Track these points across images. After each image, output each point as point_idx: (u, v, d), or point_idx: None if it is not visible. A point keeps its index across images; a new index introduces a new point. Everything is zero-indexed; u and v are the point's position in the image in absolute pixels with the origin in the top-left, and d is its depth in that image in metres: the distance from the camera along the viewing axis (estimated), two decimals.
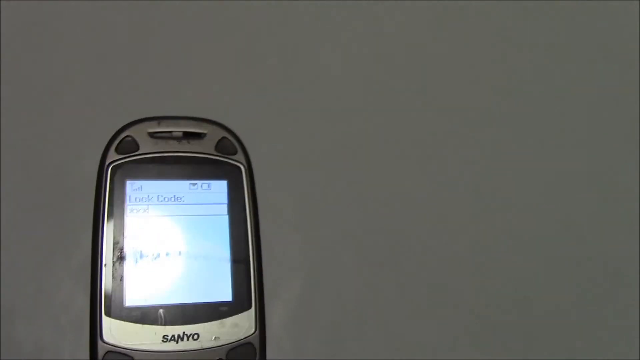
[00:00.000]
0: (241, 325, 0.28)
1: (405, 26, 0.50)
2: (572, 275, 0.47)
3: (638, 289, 0.47)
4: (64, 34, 0.40)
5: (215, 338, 0.28)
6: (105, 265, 0.28)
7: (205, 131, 0.31)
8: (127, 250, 0.28)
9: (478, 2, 0.53)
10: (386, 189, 0.45)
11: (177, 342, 0.28)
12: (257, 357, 0.28)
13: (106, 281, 0.28)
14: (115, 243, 0.28)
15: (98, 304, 0.27)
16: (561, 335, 0.48)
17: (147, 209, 0.29)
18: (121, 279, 0.28)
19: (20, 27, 0.41)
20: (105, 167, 0.29)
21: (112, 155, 0.29)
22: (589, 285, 0.47)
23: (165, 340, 0.28)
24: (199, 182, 0.30)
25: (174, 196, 0.30)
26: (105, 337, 0.27)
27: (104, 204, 0.29)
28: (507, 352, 0.42)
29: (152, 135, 0.30)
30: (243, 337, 0.28)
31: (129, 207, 0.29)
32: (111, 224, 0.29)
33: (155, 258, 0.29)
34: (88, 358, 0.28)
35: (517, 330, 0.44)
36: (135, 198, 0.29)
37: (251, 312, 0.29)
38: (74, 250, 0.45)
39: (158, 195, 0.30)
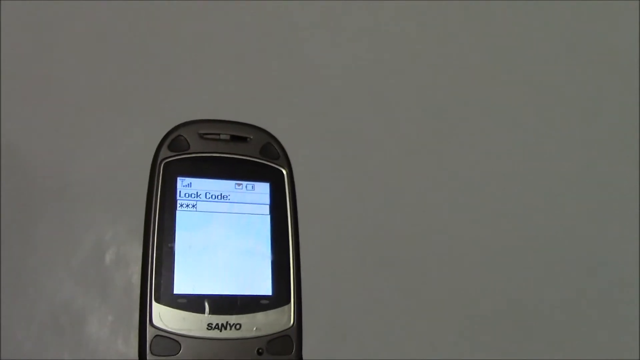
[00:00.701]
0: (280, 318, 0.30)
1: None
2: (572, 275, 0.49)
3: (638, 289, 0.49)
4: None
5: (256, 329, 0.30)
6: (155, 255, 0.30)
7: (250, 136, 0.33)
8: (177, 242, 0.30)
9: (478, 2, 0.54)
10: (385, 189, 0.46)
11: (220, 331, 0.29)
12: (294, 349, 0.30)
13: (156, 270, 0.29)
14: (166, 235, 0.30)
15: (148, 290, 0.29)
16: (561, 335, 0.48)
17: (196, 204, 0.31)
18: (170, 268, 0.30)
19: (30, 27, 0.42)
20: (158, 163, 0.31)
21: (165, 153, 0.31)
22: (589, 285, 0.49)
23: (210, 328, 0.29)
24: (244, 182, 0.32)
25: (221, 194, 0.32)
26: (155, 321, 0.29)
27: (156, 197, 0.30)
28: (507, 352, 0.43)
29: (201, 136, 0.32)
30: (282, 329, 0.30)
31: (179, 202, 0.31)
32: (162, 216, 0.30)
33: (202, 251, 0.31)
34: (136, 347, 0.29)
35: (517, 330, 0.45)
36: (185, 194, 0.31)
37: (290, 307, 0.30)
38: (74, 250, 0.45)
39: (206, 193, 0.31)
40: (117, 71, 0.45)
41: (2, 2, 0.45)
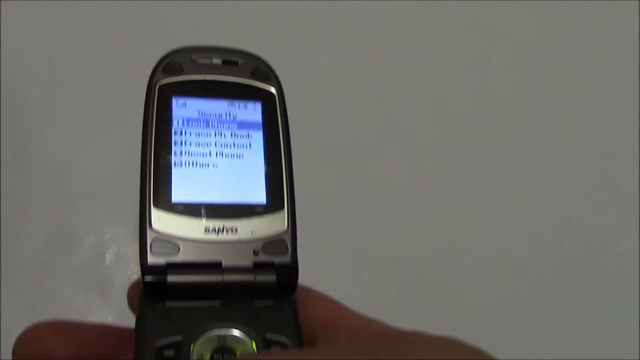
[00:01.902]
0: (274, 223, 0.31)
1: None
2: (572, 275, 0.49)
3: (638, 288, 0.49)
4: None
5: (251, 232, 0.31)
6: (153, 167, 0.31)
7: (241, 60, 0.34)
8: (173, 155, 0.32)
9: (478, 2, 0.55)
10: (386, 189, 0.47)
11: (217, 234, 0.31)
12: (289, 251, 0.31)
13: (154, 180, 0.31)
14: (162, 149, 0.32)
15: (147, 198, 0.30)
16: (561, 335, 0.48)
17: (190, 122, 0.33)
18: (168, 179, 0.31)
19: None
20: (154, 85, 0.33)
21: (160, 76, 0.33)
22: (588, 285, 0.49)
23: (207, 231, 0.31)
24: (237, 102, 0.34)
25: (215, 113, 0.33)
26: (154, 225, 0.30)
27: (152, 116, 0.32)
28: (507, 352, 0.43)
29: (194, 60, 0.34)
30: (276, 232, 0.31)
31: (174, 120, 0.33)
32: (159, 133, 0.32)
33: (198, 164, 0.32)
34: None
35: (517, 329, 0.46)
36: (180, 112, 0.33)
37: (283, 213, 0.32)
38: (74, 250, 0.46)
39: (199, 111, 0.33)
40: (117, 71, 0.47)
41: (2, 2, 0.46)
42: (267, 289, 0.30)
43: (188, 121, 0.33)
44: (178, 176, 0.31)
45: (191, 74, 0.34)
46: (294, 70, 0.44)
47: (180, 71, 0.33)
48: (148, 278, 0.29)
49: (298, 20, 0.49)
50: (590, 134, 0.53)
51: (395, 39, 0.52)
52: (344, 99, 0.47)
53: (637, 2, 0.58)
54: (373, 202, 0.46)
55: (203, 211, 0.31)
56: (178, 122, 0.33)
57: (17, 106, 0.44)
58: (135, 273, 0.43)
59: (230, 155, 0.33)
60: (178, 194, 0.31)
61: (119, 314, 0.36)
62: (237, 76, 0.34)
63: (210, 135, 0.33)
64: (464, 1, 0.54)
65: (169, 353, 0.28)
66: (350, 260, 0.42)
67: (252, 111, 0.34)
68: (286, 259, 0.31)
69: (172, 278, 0.29)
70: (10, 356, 0.37)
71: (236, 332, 0.29)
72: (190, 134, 0.33)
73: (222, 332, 0.29)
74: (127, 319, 0.35)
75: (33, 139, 0.44)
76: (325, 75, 0.48)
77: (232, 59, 0.34)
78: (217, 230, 0.31)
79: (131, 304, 0.31)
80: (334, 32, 0.50)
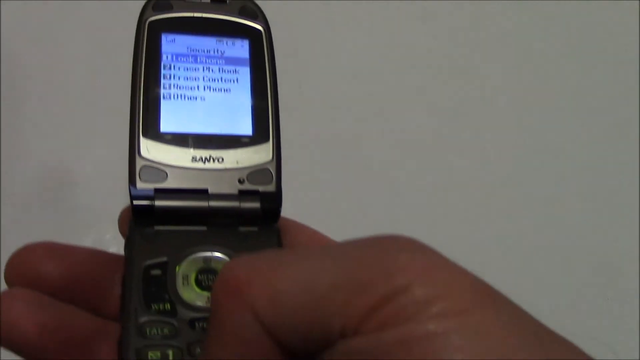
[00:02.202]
0: (260, 154, 0.32)
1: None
2: (572, 275, 0.50)
3: (638, 288, 0.49)
4: None
5: (237, 162, 0.32)
6: (142, 99, 0.32)
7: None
8: (162, 87, 0.33)
9: (479, 2, 0.55)
10: (385, 189, 0.48)
11: (204, 163, 0.32)
12: (274, 180, 0.32)
13: (143, 111, 0.32)
14: (152, 82, 0.33)
15: (136, 128, 0.32)
16: (561, 334, 0.49)
17: (179, 57, 0.34)
18: (157, 110, 0.32)
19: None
20: (144, 22, 0.34)
21: (150, 13, 0.34)
22: (589, 285, 0.49)
23: (194, 160, 0.32)
24: (225, 39, 0.35)
25: (203, 49, 0.34)
26: (143, 153, 0.31)
27: (141, 51, 0.33)
28: None
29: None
30: (261, 162, 0.32)
31: (163, 54, 0.34)
32: (148, 67, 0.33)
33: (186, 96, 0.33)
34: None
35: None
36: (169, 48, 0.34)
37: (268, 144, 0.33)
38: None
39: (188, 47, 0.34)
40: (118, 71, 0.48)
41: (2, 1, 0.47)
42: (251, 215, 0.31)
43: (177, 56, 0.34)
44: (166, 108, 0.33)
45: (180, 11, 0.34)
46: (294, 71, 0.45)
47: (170, 9, 0.34)
48: (136, 203, 0.30)
49: (298, 20, 0.49)
50: (590, 134, 0.53)
51: (395, 38, 0.52)
52: (344, 98, 0.48)
53: (637, 2, 0.58)
54: (373, 203, 0.47)
55: (190, 141, 0.32)
56: (167, 57, 0.34)
57: (16, 106, 0.45)
58: None
59: (217, 89, 0.34)
60: (166, 125, 0.32)
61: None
62: (225, 14, 0.35)
63: (198, 69, 0.34)
64: (463, 1, 0.54)
65: (156, 272, 0.29)
66: None
67: (240, 48, 0.35)
68: (271, 187, 0.32)
69: (159, 203, 0.31)
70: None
71: (221, 255, 0.30)
72: (179, 69, 0.34)
73: (207, 254, 0.30)
74: None
75: (33, 139, 0.45)
76: (326, 75, 0.48)
77: None
78: (203, 159, 0.32)
79: (121, 230, 0.32)
80: (334, 32, 0.51)
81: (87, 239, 0.46)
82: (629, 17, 0.56)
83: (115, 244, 0.44)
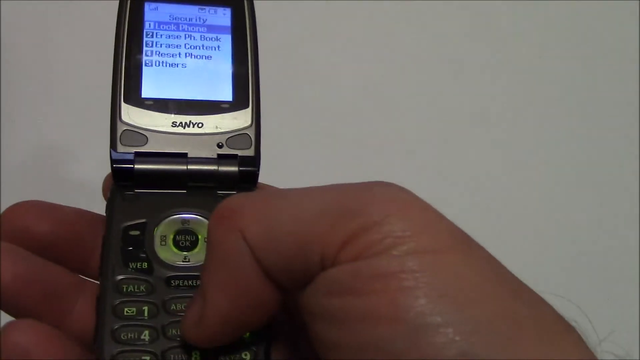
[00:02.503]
0: (239, 120, 0.33)
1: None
2: (572, 275, 0.50)
3: (638, 288, 0.49)
4: None
5: (216, 127, 0.33)
6: (124, 65, 0.33)
7: None
8: (144, 54, 0.33)
9: (479, 2, 0.54)
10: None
11: (184, 128, 0.32)
12: (253, 144, 0.33)
13: (125, 77, 0.33)
14: (134, 48, 0.33)
15: (118, 94, 0.32)
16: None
17: (161, 25, 0.34)
18: (138, 76, 0.33)
19: None
20: None
21: None
22: (588, 285, 0.49)
23: (174, 125, 0.32)
24: (207, 7, 0.35)
25: (185, 17, 0.35)
26: (124, 118, 0.32)
27: (124, 19, 0.34)
28: None
29: None
30: (240, 127, 0.33)
31: (146, 22, 0.34)
32: (131, 34, 0.33)
33: (168, 63, 0.34)
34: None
35: None
36: (152, 16, 0.34)
37: (248, 110, 0.33)
38: None
39: (170, 15, 0.35)
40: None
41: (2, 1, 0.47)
42: (230, 179, 0.32)
43: (159, 24, 0.34)
44: (148, 74, 0.33)
45: None
46: (293, 71, 0.45)
47: None
48: (116, 166, 0.31)
49: (297, 20, 0.49)
50: (590, 135, 0.52)
51: (394, 37, 0.52)
52: (344, 98, 0.48)
53: (637, 2, 0.57)
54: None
55: (171, 106, 0.33)
56: (150, 25, 0.34)
57: (16, 106, 0.46)
58: None
59: (198, 57, 0.34)
60: (147, 91, 0.33)
61: None
62: None
63: (180, 37, 0.34)
64: (463, 1, 0.54)
65: (134, 232, 0.30)
66: None
67: (222, 16, 0.35)
68: (249, 152, 0.33)
69: (139, 166, 0.31)
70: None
71: (199, 217, 0.31)
72: (161, 36, 0.34)
73: (185, 215, 0.31)
74: None
75: (33, 139, 0.45)
76: (326, 75, 0.48)
77: None
78: (183, 124, 0.32)
79: (105, 195, 0.33)
80: (334, 32, 0.51)
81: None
82: (629, 17, 0.56)
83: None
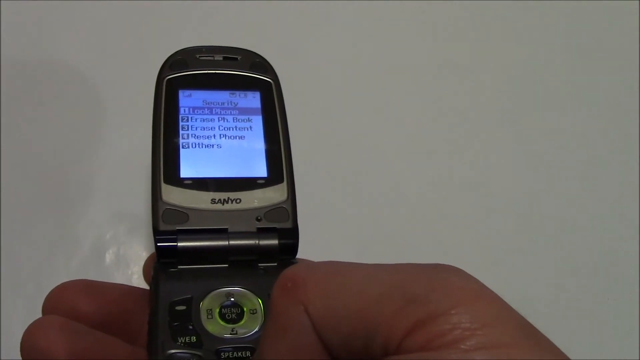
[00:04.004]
0: (275, 194, 0.34)
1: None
2: (571, 275, 0.50)
3: (638, 288, 0.49)
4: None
5: (254, 202, 0.34)
6: (163, 149, 0.34)
7: (240, 56, 0.38)
8: (181, 137, 0.35)
9: (478, 2, 0.57)
10: (385, 188, 0.49)
11: (223, 204, 0.33)
12: (290, 217, 0.34)
13: (164, 160, 0.34)
14: (171, 133, 0.35)
15: (158, 175, 0.33)
16: (560, 335, 0.49)
17: (196, 109, 0.36)
18: (176, 159, 0.34)
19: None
20: (162, 80, 0.36)
21: (167, 71, 0.37)
22: (588, 285, 0.50)
23: (213, 202, 0.33)
24: (237, 92, 0.37)
25: (217, 102, 0.37)
26: (165, 198, 0.33)
27: (160, 106, 0.36)
28: None
29: (198, 58, 0.37)
30: (277, 201, 0.34)
31: (181, 108, 0.36)
32: (167, 119, 0.35)
33: (204, 144, 0.35)
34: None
35: None
36: (186, 102, 0.36)
37: (283, 185, 0.34)
38: (74, 250, 0.47)
39: (203, 100, 0.37)
40: (118, 72, 0.50)
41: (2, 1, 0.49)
42: (270, 251, 0.33)
43: (193, 109, 0.36)
44: (185, 156, 0.35)
45: (195, 69, 0.37)
46: (293, 72, 0.47)
47: (185, 67, 0.37)
48: (160, 243, 0.32)
49: (297, 20, 0.52)
50: (590, 134, 0.54)
51: (393, 38, 0.54)
52: (344, 98, 0.50)
53: (637, 2, 0.59)
54: (373, 203, 0.48)
55: (209, 184, 0.34)
56: (184, 110, 0.36)
57: (16, 106, 0.47)
58: (135, 273, 0.45)
59: (232, 137, 0.36)
60: (186, 171, 0.34)
61: None
62: (237, 69, 0.38)
63: (214, 120, 0.36)
64: (462, 1, 0.56)
65: (181, 308, 0.30)
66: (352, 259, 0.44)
67: (252, 99, 0.37)
68: (287, 224, 0.33)
69: (182, 243, 0.32)
70: (10, 356, 0.37)
71: (243, 289, 0.32)
72: (196, 120, 0.36)
73: (229, 289, 0.31)
74: None
75: (33, 139, 0.46)
76: (325, 75, 0.50)
77: (232, 55, 0.38)
78: (222, 201, 0.33)
79: (146, 278, 0.33)
80: (334, 32, 0.53)
81: (87, 239, 0.45)
82: (629, 17, 0.57)
83: (115, 244, 0.44)
